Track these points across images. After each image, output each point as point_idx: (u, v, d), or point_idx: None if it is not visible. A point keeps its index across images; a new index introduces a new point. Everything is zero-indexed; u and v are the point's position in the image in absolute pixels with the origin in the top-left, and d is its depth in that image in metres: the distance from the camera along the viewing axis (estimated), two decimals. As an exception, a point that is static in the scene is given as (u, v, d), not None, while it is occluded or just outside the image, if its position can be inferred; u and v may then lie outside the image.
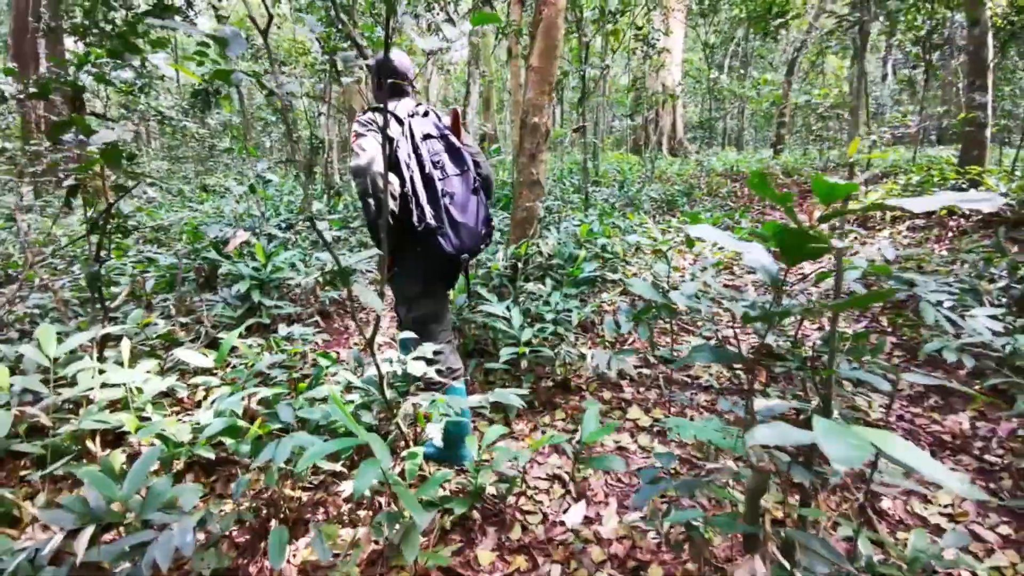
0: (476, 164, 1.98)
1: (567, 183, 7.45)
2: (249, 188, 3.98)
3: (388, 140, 1.54)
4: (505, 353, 2.37)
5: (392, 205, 1.75)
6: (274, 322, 3.11)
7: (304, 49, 11.29)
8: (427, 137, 1.89)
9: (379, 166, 1.70)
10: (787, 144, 15.78)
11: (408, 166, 1.80)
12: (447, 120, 2.00)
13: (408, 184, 1.78)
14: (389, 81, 1.94)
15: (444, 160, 1.88)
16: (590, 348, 2.97)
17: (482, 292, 2.87)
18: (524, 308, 2.77)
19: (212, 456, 1.75)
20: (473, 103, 13.14)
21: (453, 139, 1.92)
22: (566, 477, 2.02)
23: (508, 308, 2.59)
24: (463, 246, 1.84)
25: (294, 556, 1.59)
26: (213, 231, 3.46)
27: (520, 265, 3.33)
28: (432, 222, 1.78)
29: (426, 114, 1.95)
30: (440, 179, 1.83)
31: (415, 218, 1.77)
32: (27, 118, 12.87)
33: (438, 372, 1.90)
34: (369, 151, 1.73)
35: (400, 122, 1.85)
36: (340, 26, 5.93)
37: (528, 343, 2.43)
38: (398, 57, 1.98)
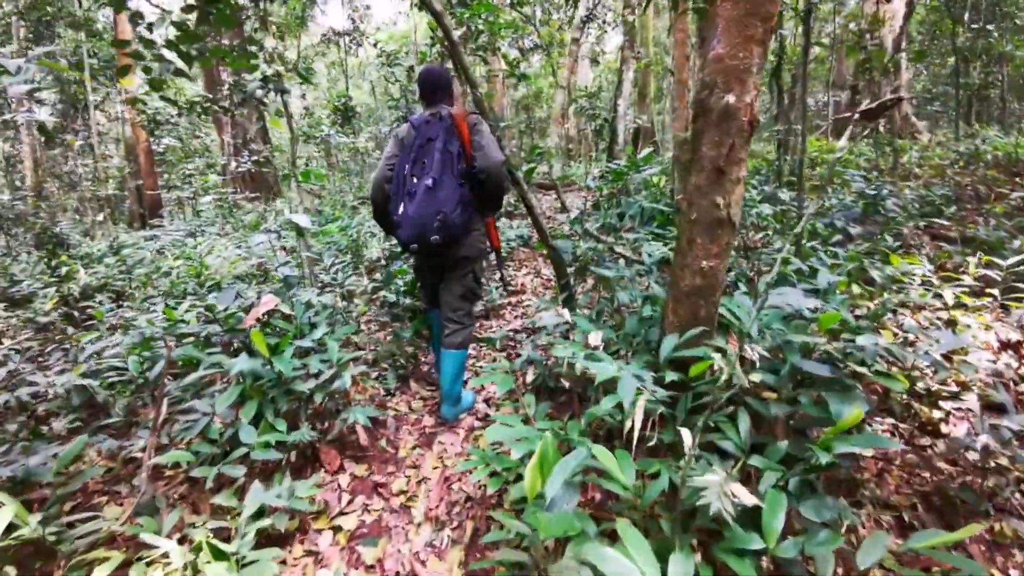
0: (472, 159, 2.24)
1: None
2: (293, 229, 2.96)
3: (401, 145, 2.30)
4: None
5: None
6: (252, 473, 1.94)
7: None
8: (428, 140, 2.22)
9: (377, 172, 2.35)
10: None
11: (399, 170, 2.25)
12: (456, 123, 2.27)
13: (394, 185, 2.27)
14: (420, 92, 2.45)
15: (425, 162, 2.20)
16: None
17: (599, 456, 1.34)
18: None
19: None
20: (625, 93, 11.34)
21: (439, 142, 2.20)
22: None
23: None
24: (410, 238, 2.17)
25: None
26: (226, 297, 2.44)
27: (684, 394, 1.70)
28: (397, 216, 2.22)
29: (440, 119, 2.26)
30: (415, 179, 2.19)
31: (394, 212, 2.26)
32: (221, 131, 14.64)
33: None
34: (381, 160, 2.36)
35: (415, 128, 2.27)
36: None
37: None
38: (425, 72, 2.41)
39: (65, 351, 2.88)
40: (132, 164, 9.44)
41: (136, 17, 2.12)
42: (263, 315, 2.38)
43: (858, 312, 2.24)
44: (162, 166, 11.70)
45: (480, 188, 2.27)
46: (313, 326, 2.43)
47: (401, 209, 2.19)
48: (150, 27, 2.09)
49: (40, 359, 3.07)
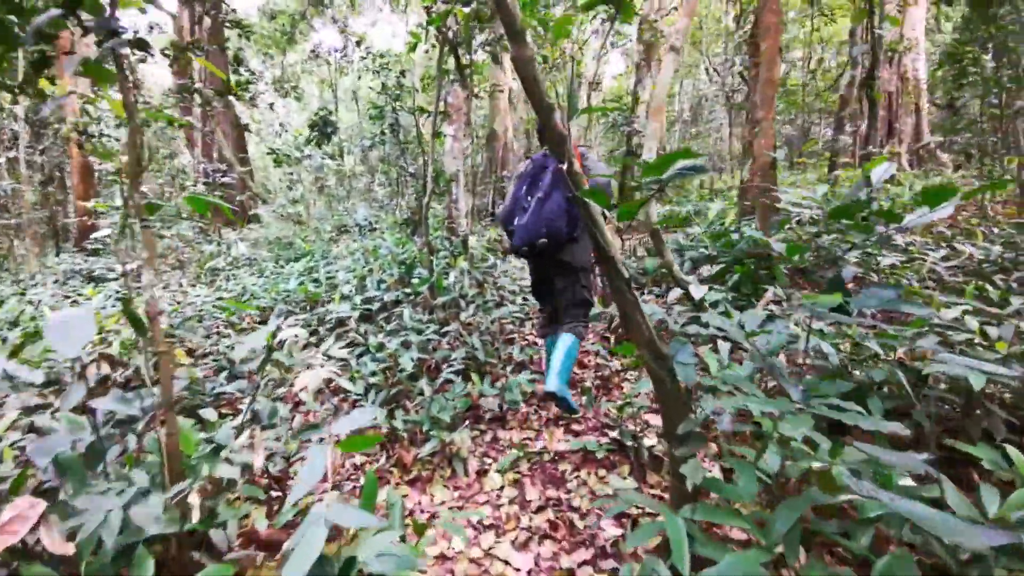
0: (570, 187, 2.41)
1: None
2: (129, 318, 1.49)
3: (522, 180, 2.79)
4: None
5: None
6: None
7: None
8: (543, 168, 2.71)
9: (503, 209, 2.85)
10: None
11: (516, 193, 2.77)
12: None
13: (514, 206, 2.76)
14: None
15: (539, 184, 2.68)
16: None
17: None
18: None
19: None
20: (642, 113, 10.18)
21: (545, 175, 2.67)
22: None
23: None
24: (520, 241, 2.64)
25: None
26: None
27: None
28: (512, 227, 2.73)
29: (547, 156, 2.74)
30: (529, 198, 2.69)
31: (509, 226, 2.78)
32: (192, 148, 13.28)
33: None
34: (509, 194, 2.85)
35: (533, 162, 2.79)
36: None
37: None
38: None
39: None
40: (59, 185, 7.99)
41: None
42: None
43: None
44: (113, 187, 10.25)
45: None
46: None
47: (516, 221, 2.71)
48: None
49: None
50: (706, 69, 17.79)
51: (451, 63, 5.05)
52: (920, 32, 13.54)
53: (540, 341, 3.88)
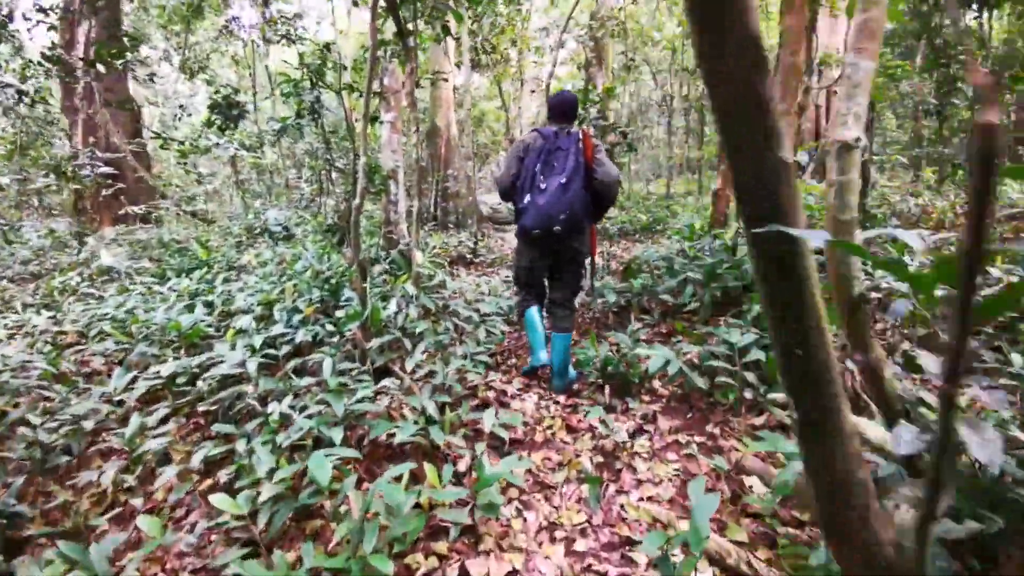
0: (591, 170, 2.64)
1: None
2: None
3: (527, 151, 2.70)
4: None
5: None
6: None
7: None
8: (558, 148, 2.64)
9: (505, 170, 2.79)
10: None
11: (528, 168, 2.67)
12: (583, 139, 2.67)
13: (522, 179, 2.70)
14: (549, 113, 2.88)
15: (555, 164, 2.63)
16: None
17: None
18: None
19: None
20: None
21: (572, 151, 2.62)
22: None
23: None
24: (535, 224, 2.61)
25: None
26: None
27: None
28: (523, 204, 2.67)
29: (568, 134, 2.67)
30: (543, 177, 2.63)
31: (519, 201, 2.72)
32: (73, 131, 11.15)
33: (517, 304, 3.03)
34: (503, 163, 2.86)
35: (544, 137, 2.68)
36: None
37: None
38: (561, 94, 2.81)
39: None
40: None
41: None
42: None
43: None
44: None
45: (595, 197, 2.70)
46: None
47: (528, 199, 2.64)
48: None
49: None
50: (653, 73, 17.59)
51: (391, 34, 4.00)
52: (841, 45, 13.97)
53: (513, 389, 2.96)
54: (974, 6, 8.28)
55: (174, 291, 4.16)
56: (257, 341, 2.77)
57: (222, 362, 2.58)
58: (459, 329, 3.45)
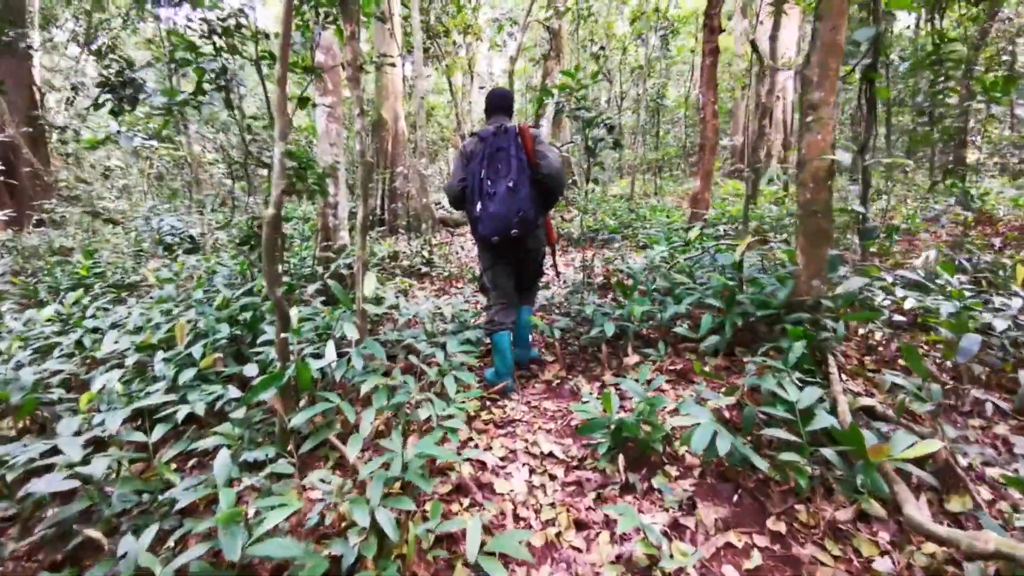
0: (537, 165, 2.59)
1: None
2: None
3: (470, 158, 2.67)
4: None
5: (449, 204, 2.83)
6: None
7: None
8: (499, 150, 2.60)
9: (453, 180, 2.72)
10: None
11: (475, 174, 2.61)
12: (521, 134, 2.64)
13: (470, 186, 2.63)
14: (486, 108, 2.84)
15: (499, 167, 2.58)
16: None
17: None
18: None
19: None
20: (549, 113, 8.91)
21: (512, 150, 2.57)
22: None
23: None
24: (492, 231, 2.55)
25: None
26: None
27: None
28: (476, 213, 2.59)
29: (506, 131, 2.62)
30: (490, 182, 2.56)
31: (472, 210, 2.62)
32: None
33: (488, 321, 2.85)
34: (452, 170, 2.79)
35: (484, 140, 2.63)
36: None
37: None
38: (496, 90, 2.81)
39: None
40: None
41: None
42: None
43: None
44: None
45: (543, 190, 2.65)
46: None
47: (480, 208, 2.57)
48: None
49: None
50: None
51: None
52: (792, 51, 14.12)
53: (494, 458, 2.23)
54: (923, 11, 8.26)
55: (29, 326, 3.10)
56: (119, 416, 1.86)
57: (52, 465, 1.66)
58: (420, 376, 2.65)
